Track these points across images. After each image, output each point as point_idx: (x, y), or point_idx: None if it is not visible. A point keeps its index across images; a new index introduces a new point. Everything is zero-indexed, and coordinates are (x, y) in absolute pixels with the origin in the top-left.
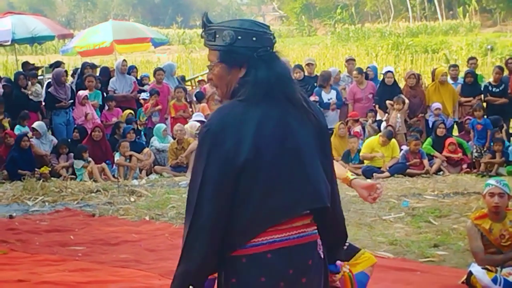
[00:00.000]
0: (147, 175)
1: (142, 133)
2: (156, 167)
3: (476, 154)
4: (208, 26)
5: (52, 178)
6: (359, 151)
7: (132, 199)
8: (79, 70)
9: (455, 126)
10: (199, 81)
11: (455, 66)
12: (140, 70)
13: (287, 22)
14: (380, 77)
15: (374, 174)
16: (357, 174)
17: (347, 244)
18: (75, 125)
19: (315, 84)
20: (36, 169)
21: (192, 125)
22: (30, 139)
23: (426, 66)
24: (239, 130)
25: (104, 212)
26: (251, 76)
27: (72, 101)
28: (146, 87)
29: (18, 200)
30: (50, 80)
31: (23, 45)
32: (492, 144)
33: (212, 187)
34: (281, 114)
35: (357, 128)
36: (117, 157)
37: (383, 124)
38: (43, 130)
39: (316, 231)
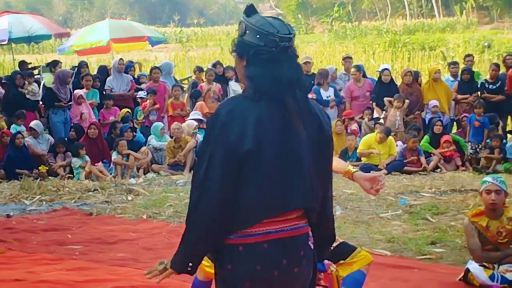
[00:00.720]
0: (144, 173)
1: (139, 131)
2: (153, 165)
3: (471, 151)
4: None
5: (50, 177)
6: (356, 148)
7: (130, 198)
8: (76, 69)
9: (454, 123)
10: None
11: (455, 63)
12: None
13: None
14: (376, 75)
15: (371, 171)
16: None
17: (340, 242)
18: (72, 124)
19: (312, 82)
20: (35, 169)
21: (190, 123)
22: (26, 138)
23: (423, 63)
24: (243, 123)
25: (102, 211)
26: (246, 71)
27: (71, 103)
28: (143, 86)
29: (15, 199)
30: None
31: (20, 44)
32: (488, 142)
33: (219, 169)
34: (280, 115)
35: (354, 126)
36: (114, 155)
37: (381, 122)
38: (40, 129)
39: (308, 223)
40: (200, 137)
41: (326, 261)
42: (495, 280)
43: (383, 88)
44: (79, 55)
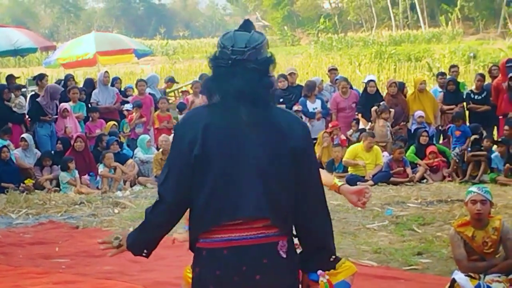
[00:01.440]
0: (131, 186)
1: (125, 144)
2: (140, 178)
3: (456, 160)
4: None
5: (36, 191)
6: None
7: (116, 211)
8: (62, 82)
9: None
10: (182, 92)
11: (443, 74)
12: (124, 81)
13: (270, 32)
14: (362, 86)
15: (358, 182)
16: None
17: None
18: (58, 137)
19: (298, 93)
20: (22, 182)
21: None
22: (15, 151)
23: (410, 74)
24: (195, 131)
25: (88, 224)
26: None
27: (56, 116)
28: (129, 99)
29: (1, 213)
30: (33, 92)
31: (6, 58)
32: (470, 150)
33: (175, 175)
34: (231, 125)
35: (343, 136)
36: (101, 168)
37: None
38: (31, 142)
39: (281, 233)
40: None
41: (320, 272)
42: None
43: (369, 99)
44: (65, 68)
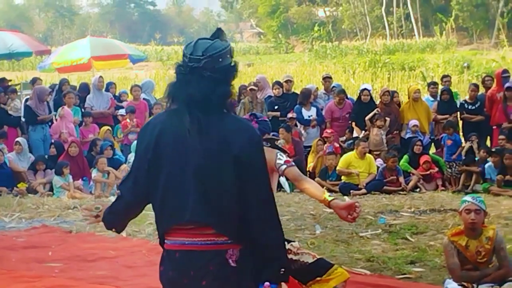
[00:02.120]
0: None
1: (120, 148)
2: None
3: (449, 170)
4: None
5: (29, 195)
6: (335, 168)
7: None
8: (57, 87)
9: (432, 144)
10: None
11: (435, 83)
12: (118, 86)
13: (264, 39)
14: (356, 95)
15: (351, 191)
16: (334, 191)
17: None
18: (52, 141)
19: (293, 101)
20: (15, 186)
21: None
22: (8, 154)
23: (403, 83)
24: (151, 135)
25: (81, 228)
26: None
27: (51, 117)
28: (124, 104)
29: None
30: (28, 96)
31: (0, 61)
32: (463, 161)
33: (133, 176)
34: (179, 130)
35: (337, 144)
36: (94, 173)
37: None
38: (25, 146)
39: (230, 241)
40: None
41: (266, 283)
42: None
43: (363, 108)
44: (60, 73)
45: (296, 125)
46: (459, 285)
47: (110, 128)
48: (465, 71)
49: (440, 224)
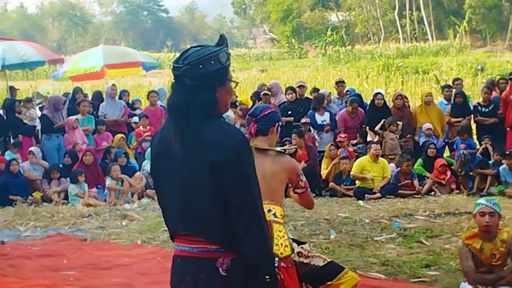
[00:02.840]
0: (139, 198)
1: (134, 155)
2: (148, 191)
3: (462, 173)
4: None
5: (44, 203)
6: (350, 172)
7: (124, 223)
8: (70, 95)
9: (446, 147)
10: None
11: (449, 86)
12: (132, 94)
13: (278, 45)
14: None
15: (365, 195)
16: (349, 196)
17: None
18: (66, 150)
19: (307, 106)
20: (30, 195)
21: None
22: (23, 163)
23: (417, 87)
24: (153, 143)
25: (96, 236)
26: None
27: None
28: (137, 111)
29: (9, 226)
30: (41, 104)
31: (14, 71)
32: (478, 164)
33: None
34: (168, 139)
35: (351, 148)
36: (108, 181)
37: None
38: (39, 155)
39: (221, 250)
40: None
41: None
42: None
43: (376, 112)
44: (73, 81)
45: (309, 130)
46: None
47: (124, 136)
48: (479, 74)
49: (455, 227)
